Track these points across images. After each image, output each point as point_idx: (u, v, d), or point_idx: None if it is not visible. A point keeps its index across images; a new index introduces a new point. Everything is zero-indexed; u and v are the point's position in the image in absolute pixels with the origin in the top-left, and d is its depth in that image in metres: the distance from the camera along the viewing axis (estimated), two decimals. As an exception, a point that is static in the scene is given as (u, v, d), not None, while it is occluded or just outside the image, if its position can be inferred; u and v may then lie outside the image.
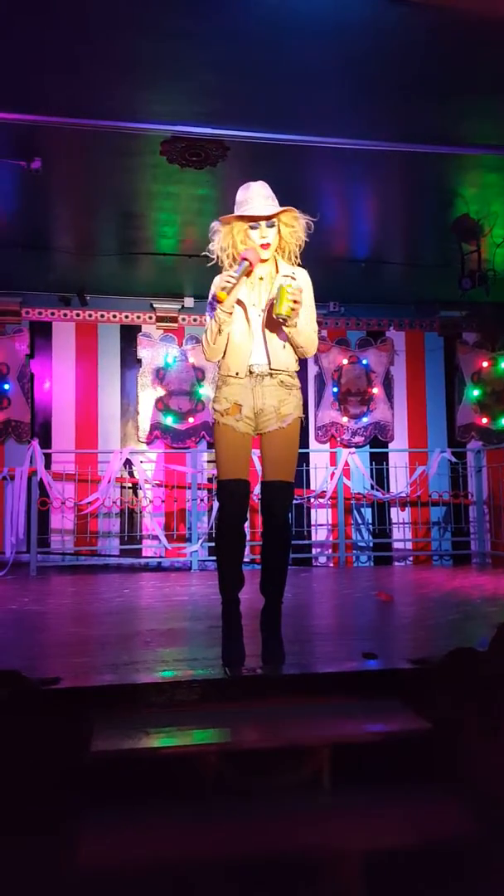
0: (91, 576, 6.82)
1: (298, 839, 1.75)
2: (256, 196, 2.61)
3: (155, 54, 3.87)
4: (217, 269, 2.70)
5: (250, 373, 2.64)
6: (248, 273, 2.59)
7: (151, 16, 3.60)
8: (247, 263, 2.54)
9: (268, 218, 2.61)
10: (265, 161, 4.85)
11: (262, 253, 2.62)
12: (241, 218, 2.62)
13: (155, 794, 1.90)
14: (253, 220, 2.61)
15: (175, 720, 2.14)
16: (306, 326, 2.65)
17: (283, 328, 2.59)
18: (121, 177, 5.24)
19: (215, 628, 2.82)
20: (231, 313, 2.60)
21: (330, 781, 1.98)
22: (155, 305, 7.70)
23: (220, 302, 2.53)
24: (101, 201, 5.78)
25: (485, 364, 8.16)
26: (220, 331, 2.60)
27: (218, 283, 2.56)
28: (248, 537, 2.80)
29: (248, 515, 2.76)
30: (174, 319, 7.75)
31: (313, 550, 7.66)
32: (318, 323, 7.51)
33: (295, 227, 2.66)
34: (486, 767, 2.05)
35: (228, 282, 2.51)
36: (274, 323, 2.62)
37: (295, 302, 2.49)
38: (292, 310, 2.49)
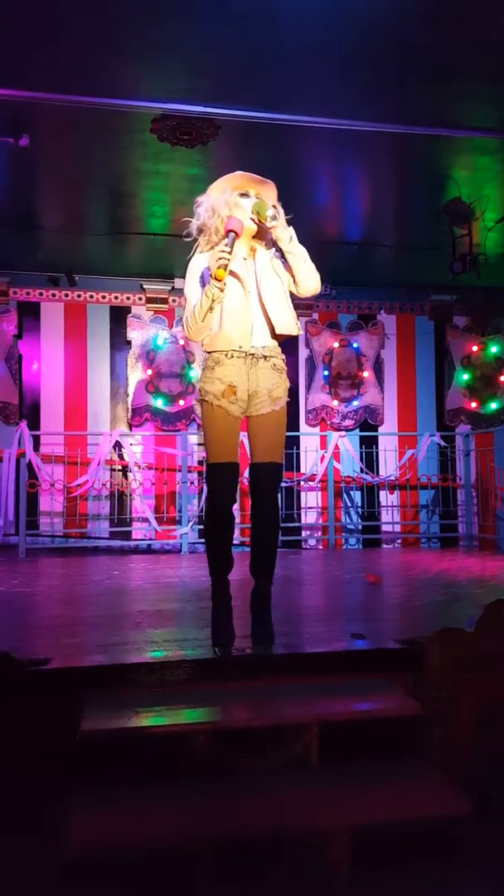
0: (80, 558, 6.82)
1: (288, 816, 1.77)
2: (244, 173, 2.69)
3: (147, 32, 3.80)
4: (192, 244, 2.72)
5: (248, 354, 2.62)
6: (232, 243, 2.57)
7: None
8: (234, 234, 2.53)
9: (253, 183, 2.66)
10: (257, 141, 4.81)
11: (247, 220, 2.62)
12: (230, 180, 2.66)
13: (145, 773, 1.92)
14: (242, 182, 2.65)
15: (165, 700, 2.15)
16: (308, 262, 2.68)
17: (287, 255, 2.65)
18: (110, 155, 5.17)
19: (205, 609, 2.83)
20: (223, 288, 2.57)
21: (319, 759, 2.01)
22: (145, 286, 7.64)
23: (218, 279, 2.49)
24: (91, 180, 5.70)
25: (474, 348, 8.18)
26: (211, 307, 2.57)
27: (212, 259, 2.52)
28: (236, 519, 2.80)
29: (236, 498, 2.75)
30: (164, 301, 7.69)
31: (303, 533, 7.69)
32: (309, 306, 7.48)
33: (278, 207, 2.65)
34: (471, 746, 2.09)
35: (223, 257, 2.48)
36: (270, 291, 2.63)
37: (274, 207, 2.56)
38: (274, 206, 2.56)
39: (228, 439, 2.64)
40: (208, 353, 2.67)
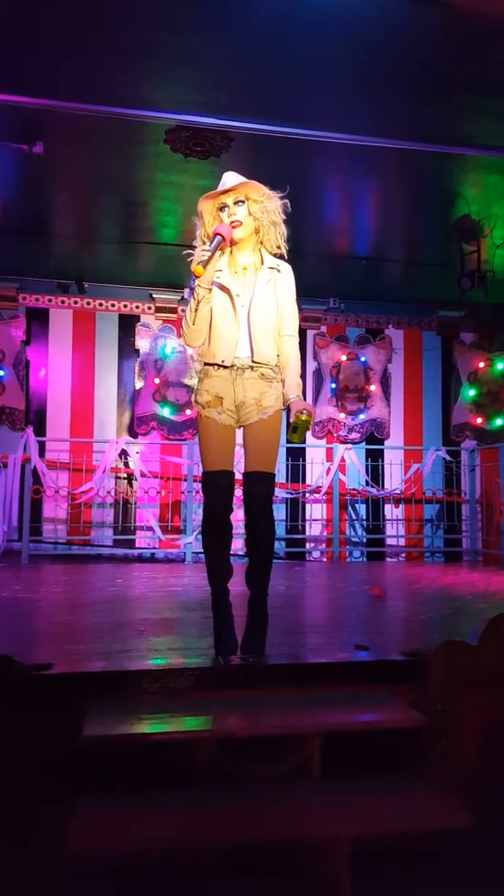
0: (83, 565, 6.81)
1: (288, 825, 1.76)
2: (227, 180, 2.64)
3: (163, 43, 3.85)
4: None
5: (232, 365, 2.62)
6: (222, 249, 2.57)
7: (161, 5, 3.58)
8: (219, 238, 2.53)
9: (227, 192, 2.60)
10: (268, 153, 4.85)
11: (235, 232, 2.60)
12: (209, 198, 2.63)
13: (146, 780, 1.91)
14: (217, 196, 2.61)
15: (167, 707, 2.14)
16: (293, 351, 2.68)
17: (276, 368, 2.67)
18: (124, 164, 5.22)
19: (208, 618, 2.82)
20: (210, 290, 2.57)
21: (320, 770, 2.00)
22: (154, 296, 7.68)
23: (197, 276, 2.50)
24: (103, 188, 5.75)
25: (481, 364, 8.19)
26: (198, 309, 2.57)
27: (194, 258, 2.54)
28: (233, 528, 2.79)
29: (233, 507, 2.75)
30: (174, 310, 7.73)
31: (307, 545, 7.68)
32: (317, 319, 7.45)
33: (264, 203, 2.61)
34: (474, 759, 2.07)
35: (203, 256, 2.49)
36: (259, 316, 2.62)
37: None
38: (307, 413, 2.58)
39: (219, 448, 2.65)
40: (203, 364, 2.70)
